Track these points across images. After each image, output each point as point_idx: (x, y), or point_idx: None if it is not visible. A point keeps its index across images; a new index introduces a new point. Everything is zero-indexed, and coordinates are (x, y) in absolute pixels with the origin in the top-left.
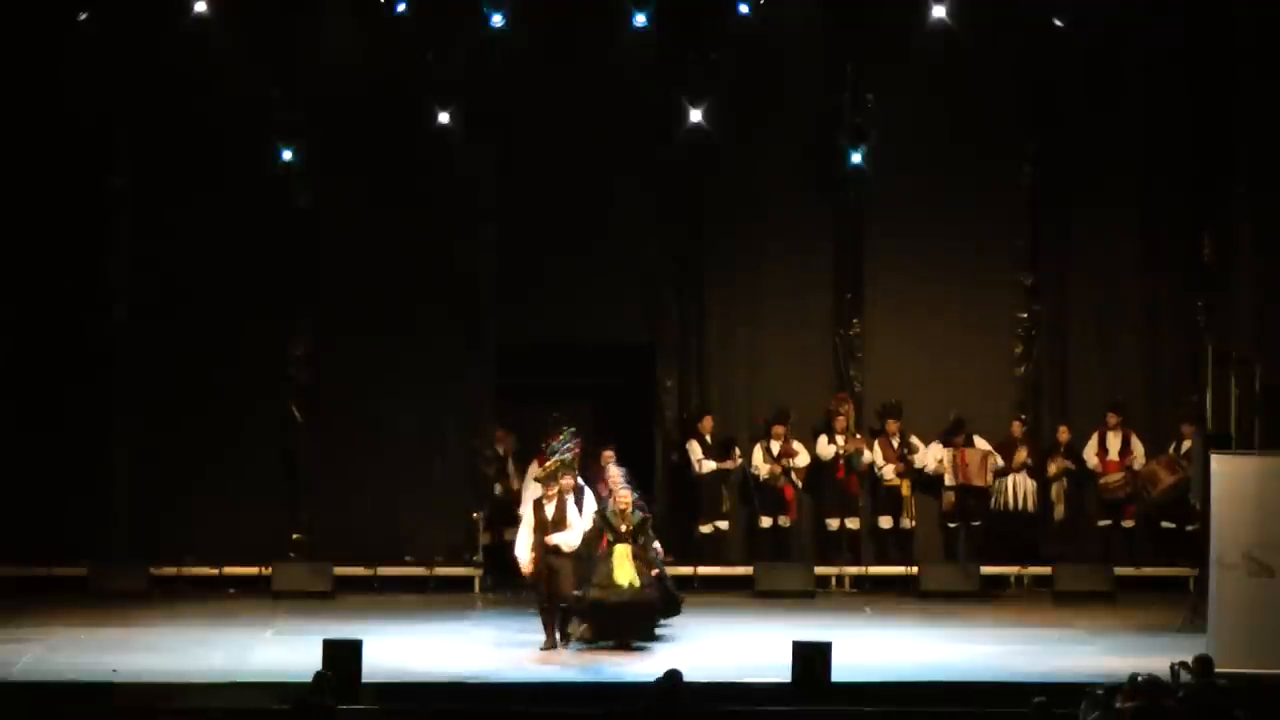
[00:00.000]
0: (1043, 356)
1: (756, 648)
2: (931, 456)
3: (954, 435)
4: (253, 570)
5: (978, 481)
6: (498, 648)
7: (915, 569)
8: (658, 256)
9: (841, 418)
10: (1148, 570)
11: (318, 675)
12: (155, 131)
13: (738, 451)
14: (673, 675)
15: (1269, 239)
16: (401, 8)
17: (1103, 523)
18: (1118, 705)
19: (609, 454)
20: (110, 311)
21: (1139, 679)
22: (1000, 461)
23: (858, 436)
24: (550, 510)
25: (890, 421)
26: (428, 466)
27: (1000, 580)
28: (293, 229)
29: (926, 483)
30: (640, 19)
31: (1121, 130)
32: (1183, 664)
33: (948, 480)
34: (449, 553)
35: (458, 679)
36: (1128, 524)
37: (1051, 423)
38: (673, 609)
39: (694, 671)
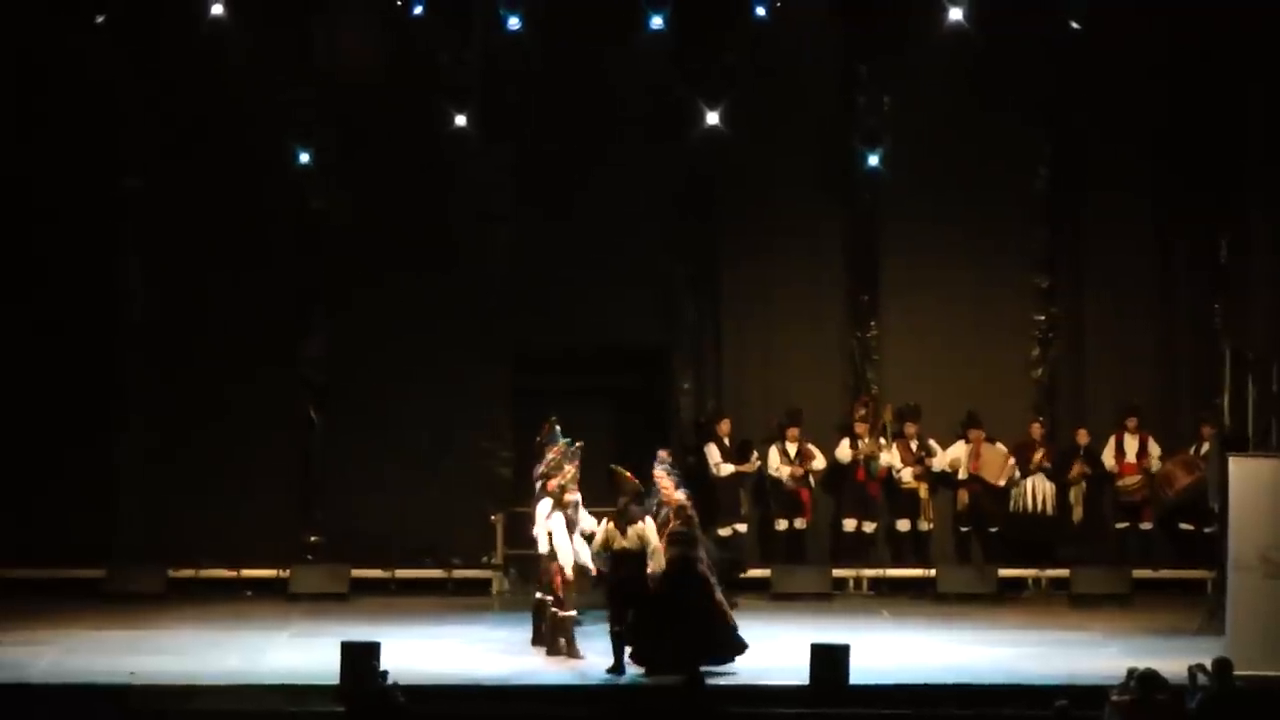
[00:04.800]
0: (1059, 359)
1: (774, 650)
2: (948, 457)
3: (968, 429)
4: (269, 572)
5: (992, 479)
6: (515, 650)
7: (933, 571)
8: (673, 259)
9: (862, 421)
10: (1165, 573)
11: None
12: (171, 132)
13: (756, 454)
14: (694, 677)
15: None
16: (418, 10)
17: (1120, 525)
18: (1114, 698)
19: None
20: (125, 312)
21: (1135, 673)
22: (1017, 472)
23: (881, 441)
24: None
25: (909, 424)
26: (444, 468)
27: (1018, 583)
28: (308, 230)
29: (944, 484)
30: (657, 21)
31: (1137, 132)
32: (1200, 667)
33: (961, 474)
34: (466, 555)
35: (474, 681)
36: (1145, 526)
37: (1069, 425)
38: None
39: (711, 673)
